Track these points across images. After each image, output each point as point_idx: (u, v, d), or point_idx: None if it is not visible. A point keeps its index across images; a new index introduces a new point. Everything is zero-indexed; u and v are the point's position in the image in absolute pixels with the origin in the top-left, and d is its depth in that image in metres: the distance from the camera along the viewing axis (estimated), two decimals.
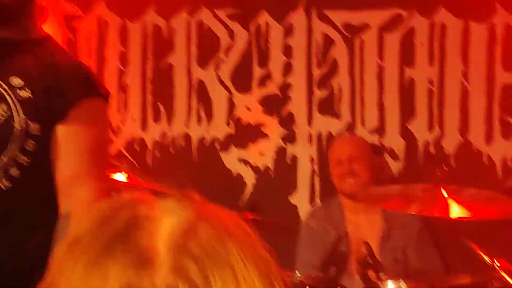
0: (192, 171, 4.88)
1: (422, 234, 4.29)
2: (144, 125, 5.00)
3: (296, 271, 3.68)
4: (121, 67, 5.04)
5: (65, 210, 2.18)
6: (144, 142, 4.99)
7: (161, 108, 4.98)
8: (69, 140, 2.19)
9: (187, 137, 4.94)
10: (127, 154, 4.96)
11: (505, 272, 3.46)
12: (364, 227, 4.31)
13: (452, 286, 4.00)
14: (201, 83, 4.94)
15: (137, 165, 4.81)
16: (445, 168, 3.86)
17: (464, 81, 4.61)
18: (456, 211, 3.66)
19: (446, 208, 3.67)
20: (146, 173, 4.61)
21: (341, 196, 4.40)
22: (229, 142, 4.89)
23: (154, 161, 4.97)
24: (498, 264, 3.48)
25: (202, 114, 4.93)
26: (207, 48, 4.94)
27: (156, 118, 4.99)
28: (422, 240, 4.28)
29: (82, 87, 2.23)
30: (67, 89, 2.20)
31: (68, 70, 2.23)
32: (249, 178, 4.85)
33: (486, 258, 3.55)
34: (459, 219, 3.72)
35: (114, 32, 5.03)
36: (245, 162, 4.86)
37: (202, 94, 4.93)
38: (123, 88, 5.02)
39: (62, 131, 2.19)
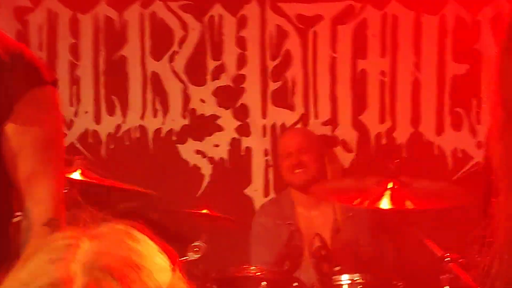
0: (148, 163, 4.88)
1: (375, 226, 4.33)
2: (97, 118, 4.97)
3: (252, 267, 3.72)
4: (73, 60, 4.99)
5: (26, 209, 2.15)
6: (98, 134, 4.96)
7: (115, 100, 4.95)
8: (20, 138, 2.09)
9: (142, 129, 4.93)
10: (80, 147, 4.93)
11: (454, 264, 3.53)
12: (316, 220, 4.34)
13: (404, 277, 4.06)
14: (155, 75, 4.92)
15: (91, 158, 4.78)
16: (396, 159, 3.90)
17: (416, 73, 4.66)
18: (407, 203, 3.71)
19: (397, 200, 3.72)
20: (100, 166, 4.60)
21: (292, 190, 4.43)
22: (185, 134, 4.89)
23: (109, 153, 4.95)
24: (448, 256, 3.54)
25: (158, 106, 4.91)
26: (161, 40, 4.92)
27: (110, 111, 4.96)
28: (375, 233, 4.33)
29: (25, 77, 2.09)
30: (8, 82, 2.07)
31: (7, 60, 2.08)
32: (206, 169, 4.86)
33: (437, 250, 3.61)
34: (410, 210, 3.77)
35: (65, 24, 4.97)
36: (202, 153, 4.87)
37: (156, 86, 4.91)
38: (75, 81, 4.98)
39: (11, 129, 2.09)
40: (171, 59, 4.90)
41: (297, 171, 4.32)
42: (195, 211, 3.98)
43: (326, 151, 4.59)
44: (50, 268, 0.92)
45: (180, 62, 4.89)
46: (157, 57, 4.91)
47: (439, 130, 4.62)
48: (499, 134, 1.47)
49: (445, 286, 3.52)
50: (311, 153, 4.37)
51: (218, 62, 4.86)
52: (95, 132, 4.97)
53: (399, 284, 3.65)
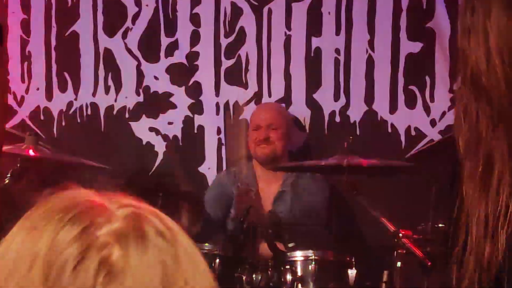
0: (101, 140, 4.84)
1: (329, 204, 4.35)
2: (49, 95, 4.91)
3: (206, 244, 3.71)
4: (24, 36, 4.93)
5: None
6: (49, 111, 4.91)
7: (67, 77, 4.90)
8: None
9: (94, 107, 4.88)
10: (31, 124, 4.88)
11: (407, 239, 3.55)
12: (273, 196, 4.35)
13: (357, 253, 4.09)
14: (108, 52, 4.87)
15: (42, 135, 4.72)
16: (350, 137, 3.90)
17: (370, 51, 4.67)
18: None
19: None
20: (52, 143, 4.55)
21: (254, 164, 4.43)
22: (138, 111, 4.85)
23: (60, 131, 4.90)
24: (402, 232, 3.57)
25: (110, 83, 4.87)
26: (114, 16, 4.87)
27: (62, 88, 4.90)
28: (329, 210, 4.34)
29: None
30: None
31: None
32: (160, 147, 4.83)
33: (390, 226, 3.63)
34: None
35: (16, 0, 4.90)
36: (155, 131, 4.84)
37: (109, 63, 4.86)
38: (26, 57, 4.91)
39: None
40: (125, 36, 4.85)
41: (263, 145, 4.32)
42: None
43: (295, 131, 4.59)
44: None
45: (133, 39, 4.84)
46: (110, 33, 4.86)
47: (393, 108, 4.63)
48: (464, 115, 1.46)
49: (398, 261, 3.54)
50: (280, 131, 4.38)
51: (172, 39, 4.82)
52: (46, 109, 4.91)
53: (352, 260, 3.66)
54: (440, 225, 3.54)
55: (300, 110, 4.72)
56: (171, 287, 0.91)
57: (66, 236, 0.90)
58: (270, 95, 4.74)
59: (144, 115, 4.84)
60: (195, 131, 4.81)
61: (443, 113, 4.53)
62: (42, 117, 4.92)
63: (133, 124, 4.85)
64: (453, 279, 1.52)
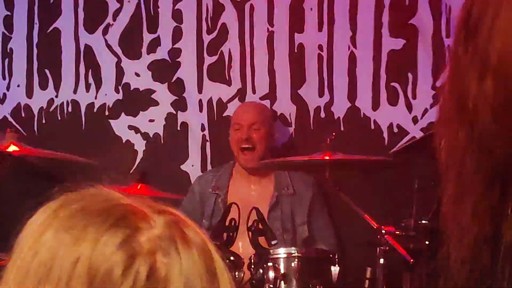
0: (81, 139, 4.81)
1: (314, 203, 4.34)
2: (30, 92, 4.88)
3: None
4: (7, 32, 4.90)
5: None
6: (30, 109, 4.88)
7: (48, 74, 4.87)
8: None
9: (75, 104, 4.85)
10: (13, 121, 4.85)
11: (390, 236, 3.55)
12: (255, 194, 4.34)
13: (340, 250, 4.09)
14: (89, 49, 4.84)
15: (23, 132, 4.70)
16: (333, 135, 3.90)
17: (352, 47, 4.66)
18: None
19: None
20: (33, 140, 4.53)
21: (236, 163, 4.43)
22: (118, 108, 4.82)
23: (41, 128, 4.87)
24: (384, 229, 3.56)
25: (91, 80, 4.84)
26: (95, 13, 4.84)
27: (43, 85, 4.88)
28: (314, 208, 4.34)
29: None
30: None
31: None
32: (140, 145, 4.81)
33: (373, 223, 3.63)
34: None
35: None
36: (135, 129, 4.81)
37: (90, 60, 4.83)
38: (8, 54, 4.88)
39: None
40: (105, 32, 4.82)
41: (245, 145, 4.30)
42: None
43: (277, 126, 4.58)
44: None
45: (114, 35, 4.82)
46: (91, 29, 4.83)
47: (376, 105, 4.63)
48: (447, 124, 1.44)
49: (381, 258, 3.54)
50: (262, 131, 4.36)
51: (154, 35, 4.80)
52: (27, 106, 4.89)
53: (335, 257, 3.66)
54: (423, 221, 3.54)
55: (285, 106, 4.71)
56: None
57: (111, 241, 0.90)
58: (254, 92, 4.73)
59: (123, 113, 4.82)
60: (178, 128, 4.78)
61: (425, 110, 4.53)
62: (23, 114, 4.88)
63: (112, 122, 4.82)
64: (436, 272, 1.51)
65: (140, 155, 4.80)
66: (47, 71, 4.87)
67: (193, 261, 0.92)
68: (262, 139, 4.35)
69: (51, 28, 4.87)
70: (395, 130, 4.60)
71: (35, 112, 4.88)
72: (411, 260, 3.43)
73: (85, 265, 0.89)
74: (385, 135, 4.61)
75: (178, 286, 0.90)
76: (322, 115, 4.67)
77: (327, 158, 3.77)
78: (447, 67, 1.45)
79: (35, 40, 4.89)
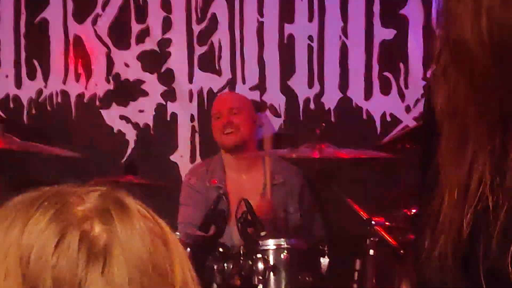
0: (71, 129, 4.79)
1: (303, 192, 4.33)
2: (18, 82, 4.85)
3: (177, 233, 3.67)
4: None
5: None
6: (19, 99, 4.85)
7: (36, 64, 4.84)
8: None
9: (65, 94, 4.82)
10: (1, 113, 4.82)
11: (380, 227, 3.54)
12: (245, 184, 4.32)
13: (329, 241, 4.07)
14: (77, 39, 4.81)
15: (12, 124, 4.68)
16: (324, 124, 3.88)
17: (343, 37, 4.64)
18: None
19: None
20: (22, 131, 4.50)
21: (223, 153, 4.40)
22: (109, 99, 4.80)
23: (31, 119, 4.85)
24: (374, 220, 3.55)
25: (80, 71, 4.81)
26: (84, 2, 4.80)
27: (31, 75, 4.85)
28: (303, 198, 4.32)
29: None
30: None
31: None
32: (131, 135, 4.79)
33: (363, 214, 3.61)
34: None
35: None
36: (126, 119, 4.79)
37: (79, 50, 4.81)
38: None
39: None
40: (94, 22, 4.79)
41: (227, 130, 4.28)
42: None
43: (257, 116, 4.56)
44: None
45: (103, 25, 4.78)
46: (80, 19, 4.80)
47: (368, 95, 4.61)
48: (443, 78, 1.43)
49: (370, 249, 3.52)
50: (242, 116, 4.34)
51: (143, 25, 4.77)
52: (16, 97, 4.86)
53: (325, 248, 3.64)
54: (413, 211, 3.53)
55: (274, 96, 4.69)
56: (161, 266, 0.90)
57: (41, 218, 0.88)
58: (244, 82, 4.71)
59: (114, 103, 4.80)
60: (168, 119, 4.76)
61: (417, 99, 4.52)
62: (11, 105, 4.86)
63: (104, 112, 4.80)
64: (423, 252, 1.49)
65: (131, 145, 4.78)
66: (35, 61, 4.84)
67: (132, 231, 0.89)
68: (244, 122, 4.33)
69: (38, 18, 4.83)
70: (388, 119, 4.58)
71: (25, 102, 4.85)
72: (401, 252, 3.41)
73: (15, 248, 0.87)
74: (378, 124, 4.60)
75: (119, 256, 0.88)
76: (312, 106, 4.65)
77: (317, 150, 3.74)
78: (440, 24, 1.46)
79: (22, 30, 4.85)
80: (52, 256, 0.87)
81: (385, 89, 4.60)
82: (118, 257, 0.88)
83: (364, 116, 4.62)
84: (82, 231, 0.88)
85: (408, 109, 4.55)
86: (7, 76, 4.86)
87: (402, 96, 4.57)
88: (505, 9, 1.35)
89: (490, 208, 1.37)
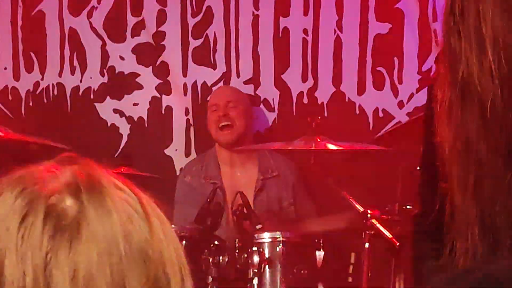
0: (66, 121, 4.79)
1: (298, 186, 4.34)
2: (16, 74, 4.85)
3: (172, 225, 3.66)
4: None
5: None
6: (17, 91, 4.85)
7: (33, 57, 4.83)
8: None
9: (60, 87, 4.82)
10: (0, 105, 4.82)
11: (376, 220, 3.54)
12: (240, 179, 4.33)
13: (325, 234, 4.08)
14: (73, 32, 4.81)
15: (10, 115, 4.69)
16: (318, 118, 3.88)
17: (338, 31, 4.64)
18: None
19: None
20: (21, 122, 4.52)
21: (217, 148, 4.40)
22: (103, 92, 4.80)
23: (28, 111, 4.84)
24: (370, 212, 3.55)
25: (76, 64, 4.81)
26: None
27: (28, 67, 4.84)
28: (298, 192, 4.33)
29: None
30: None
31: None
32: (124, 128, 4.79)
33: (359, 207, 3.62)
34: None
35: None
36: (120, 112, 4.79)
37: (74, 43, 4.80)
38: None
39: None
40: (90, 15, 4.78)
41: (223, 123, 4.28)
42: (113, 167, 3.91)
43: (254, 111, 4.56)
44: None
45: (98, 18, 4.78)
46: (75, 12, 4.79)
47: (361, 90, 4.62)
48: (447, 115, 1.42)
49: (366, 243, 3.53)
50: (238, 109, 4.34)
51: (138, 18, 4.76)
52: (14, 89, 4.86)
53: (320, 241, 3.65)
54: (408, 206, 3.54)
55: (268, 90, 4.69)
56: (139, 244, 0.88)
57: (7, 196, 0.87)
58: (238, 76, 4.71)
59: (108, 96, 4.79)
60: (163, 112, 4.76)
61: (411, 95, 4.52)
62: (10, 97, 4.86)
63: (98, 105, 4.80)
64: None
65: (124, 139, 4.78)
66: (32, 54, 4.84)
67: (103, 206, 0.87)
68: (240, 116, 4.33)
69: (35, 10, 4.82)
70: (381, 114, 4.59)
71: (23, 95, 4.85)
72: (397, 244, 3.42)
73: None
74: (370, 119, 4.60)
75: (88, 231, 0.86)
76: (305, 100, 4.66)
77: (313, 144, 3.75)
78: (442, 62, 1.44)
79: (20, 22, 4.84)
80: (17, 231, 0.85)
81: (379, 84, 4.60)
82: (87, 233, 0.86)
83: (357, 111, 4.63)
84: (49, 205, 0.86)
85: (401, 105, 4.56)
86: (5, 68, 4.86)
87: (395, 91, 4.57)
88: (509, 39, 1.34)
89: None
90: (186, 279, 0.93)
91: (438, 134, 1.44)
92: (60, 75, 4.82)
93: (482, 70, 1.34)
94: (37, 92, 4.84)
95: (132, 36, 4.77)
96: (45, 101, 4.84)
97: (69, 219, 0.86)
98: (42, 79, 4.83)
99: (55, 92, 4.83)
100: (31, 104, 4.85)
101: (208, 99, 4.62)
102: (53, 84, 4.83)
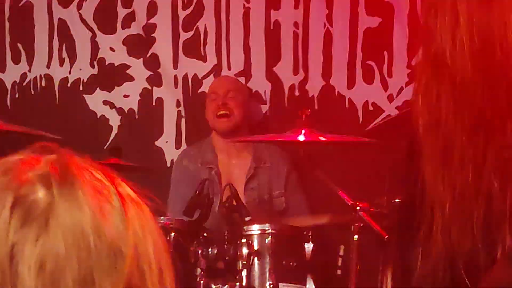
0: (55, 113, 4.77)
1: (291, 178, 4.33)
2: (2, 66, 4.82)
3: (161, 217, 3.66)
4: None
5: None
6: (3, 83, 4.82)
7: (21, 48, 4.81)
8: None
9: (48, 78, 4.80)
10: None
11: (364, 213, 3.54)
12: (235, 166, 4.33)
13: (317, 226, 4.08)
14: (62, 23, 4.79)
15: None
16: (308, 111, 3.87)
17: (328, 25, 4.64)
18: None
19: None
20: (5, 114, 4.48)
21: (214, 137, 4.39)
22: (93, 83, 4.78)
23: (14, 102, 4.82)
24: (359, 205, 3.55)
25: (65, 55, 4.79)
26: None
27: (15, 59, 4.82)
28: (290, 184, 4.33)
29: None
30: None
31: None
32: (114, 120, 4.77)
33: (348, 200, 3.62)
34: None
35: None
36: (110, 104, 4.78)
37: (64, 34, 4.78)
38: None
39: None
40: (79, 6, 4.77)
41: (221, 112, 4.27)
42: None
43: (252, 103, 4.56)
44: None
45: (88, 9, 4.76)
46: (65, 3, 4.77)
47: (351, 83, 4.62)
48: (423, 94, 1.44)
49: (355, 235, 3.53)
50: (237, 100, 4.34)
51: (129, 10, 4.75)
52: (0, 81, 4.83)
53: (309, 233, 3.65)
54: (396, 200, 3.54)
55: (260, 83, 4.68)
56: (110, 238, 0.86)
57: None
58: (229, 68, 4.70)
59: (98, 88, 4.78)
60: (154, 104, 4.75)
61: (401, 89, 4.53)
62: None
63: (87, 97, 4.79)
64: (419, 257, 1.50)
65: (114, 131, 4.77)
66: (19, 45, 4.81)
67: (74, 198, 0.86)
68: (239, 106, 4.34)
69: (23, 1, 4.80)
70: (370, 108, 4.59)
71: (8, 86, 4.83)
72: (386, 236, 3.42)
73: None
74: (360, 113, 4.60)
75: (57, 223, 0.85)
76: (297, 93, 4.66)
77: (303, 136, 3.74)
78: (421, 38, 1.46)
79: (7, 13, 4.82)
80: None
81: (368, 78, 4.60)
82: (55, 225, 0.84)
83: (347, 105, 4.63)
84: (18, 196, 0.85)
85: (390, 99, 4.56)
86: None
87: (385, 85, 4.58)
88: (484, 16, 1.36)
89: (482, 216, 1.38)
90: (165, 272, 0.91)
91: (414, 109, 1.46)
92: (48, 66, 4.80)
93: (455, 46, 1.36)
94: (24, 83, 4.82)
95: (123, 28, 4.75)
96: (32, 92, 4.82)
97: (39, 211, 0.85)
98: (29, 71, 4.81)
99: (43, 84, 4.81)
100: (17, 96, 4.83)
101: (199, 91, 4.62)
102: (40, 76, 4.81)
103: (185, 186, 4.18)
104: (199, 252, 3.60)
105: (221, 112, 4.29)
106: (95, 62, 4.78)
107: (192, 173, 4.30)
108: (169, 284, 0.91)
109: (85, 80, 4.78)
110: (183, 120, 4.73)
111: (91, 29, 4.77)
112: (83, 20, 4.77)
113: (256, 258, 3.59)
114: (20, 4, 4.81)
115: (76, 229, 0.84)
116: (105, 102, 4.77)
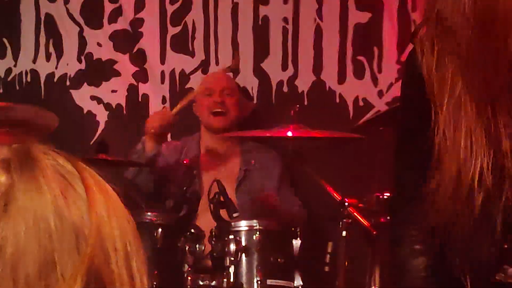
0: (41, 108, 4.73)
1: (282, 179, 4.29)
2: None
3: (148, 213, 3.63)
4: None
5: None
6: None
7: (6, 43, 4.78)
8: None
9: (34, 74, 4.77)
10: None
11: (353, 209, 3.52)
12: (222, 167, 4.28)
13: (305, 222, 4.06)
14: (49, 17, 4.75)
15: None
16: (296, 107, 3.85)
17: (318, 20, 4.61)
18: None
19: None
20: None
21: (202, 134, 4.34)
22: (80, 79, 4.75)
23: None
24: (347, 201, 3.53)
25: (51, 50, 4.75)
26: None
27: (1, 54, 4.79)
28: (282, 185, 4.28)
29: None
30: None
31: None
32: (102, 116, 4.74)
33: (336, 196, 3.59)
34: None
35: None
36: (98, 99, 4.74)
37: (51, 29, 4.75)
38: None
39: None
40: (66, 1, 4.74)
41: (217, 109, 4.22)
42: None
43: (245, 101, 4.52)
44: None
45: (75, 4, 4.74)
46: None
47: (341, 79, 4.59)
48: (431, 45, 1.42)
49: (343, 231, 3.50)
50: (233, 99, 4.30)
51: (116, 5, 4.72)
52: None
53: (297, 230, 3.62)
54: (386, 195, 3.51)
55: (247, 79, 4.65)
56: (73, 225, 0.85)
57: None
58: (217, 64, 4.66)
59: (85, 83, 4.74)
60: (140, 100, 4.71)
61: (390, 84, 4.50)
62: None
63: (74, 92, 4.76)
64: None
65: (101, 126, 4.73)
66: (5, 39, 4.78)
67: (34, 183, 0.85)
68: (235, 105, 4.29)
69: None
70: (361, 103, 4.56)
71: None
72: (374, 232, 3.39)
73: None
74: (350, 108, 4.57)
75: (16, 209, 0.84)
76: (285, 89, 4.62)
77: (291, 131, 3.71)
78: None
79: None
80: None
81: (359, 73, 4.57)
82: (15, 209, 0.84)
83: (337, 100, 4.60)
84: None
85: (380, 94, 4.53)
86: None
87: (375, 80, 4.55)
88: None
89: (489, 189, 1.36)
90: (132, 256, 0.90)
91: (423, 69, 1.43)
92: (34, 61, 4.77)
93: (457, 9, 1.33)
94: (9, 78, 4.78)
95: (109, 23, 4.72)
96: (18, 88, 4.78)
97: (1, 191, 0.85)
98: (15, 65, 4.78)
99: (28, 79, 4.78)
100: (1, 91, 4.79)
101: (186, 86, 4.58)
102: (26, 71, 4.78)
103: (166, 178, 4.13)
104: (187, 248, 3.58)
105: (218, 110, 4.24)
106: (82, 57, 4.75)
107: (169, 165, 4.24)
108: (137, 267, 0.91)
109: (72, 75, 4.75)
110: None
111: (78, 24, 4.74)
112: (70, 15, 4.74)
113: (243, 255, 3.56)
114: None
115: (36, 212, 0.85)
116: (92, 98, 4.74)
